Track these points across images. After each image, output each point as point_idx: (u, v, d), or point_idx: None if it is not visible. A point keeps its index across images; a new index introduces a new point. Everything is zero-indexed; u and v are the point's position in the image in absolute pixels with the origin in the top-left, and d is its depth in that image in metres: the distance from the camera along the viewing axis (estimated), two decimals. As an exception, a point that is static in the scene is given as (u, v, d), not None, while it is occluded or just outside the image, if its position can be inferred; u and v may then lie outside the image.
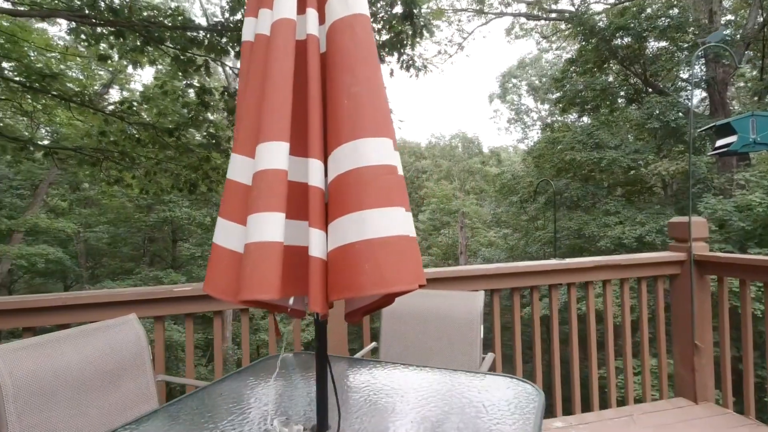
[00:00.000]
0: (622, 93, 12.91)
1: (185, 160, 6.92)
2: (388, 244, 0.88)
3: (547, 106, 24.41)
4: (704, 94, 12.08)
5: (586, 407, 2.73)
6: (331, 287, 0.91)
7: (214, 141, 6.56)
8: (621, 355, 2.87)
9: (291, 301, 1.01)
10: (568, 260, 2.68)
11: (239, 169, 1.00)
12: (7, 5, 5.93)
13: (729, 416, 2.59)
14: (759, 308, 6.13)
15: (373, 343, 2.25)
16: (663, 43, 11.52)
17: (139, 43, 5.46)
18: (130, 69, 11.07)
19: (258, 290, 0.86)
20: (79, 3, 5.19)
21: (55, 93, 6.42)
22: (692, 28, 10.73)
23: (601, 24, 11.55)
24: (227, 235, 0.99)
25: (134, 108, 6.95)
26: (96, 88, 12.58)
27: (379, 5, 5.67)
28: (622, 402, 2.82)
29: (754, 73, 12.43)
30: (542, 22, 17.99)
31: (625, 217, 10.10)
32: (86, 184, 14.71)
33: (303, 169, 0.98)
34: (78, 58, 9.52)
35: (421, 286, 1.01)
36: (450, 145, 33.56)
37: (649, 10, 11.11)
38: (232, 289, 0.94)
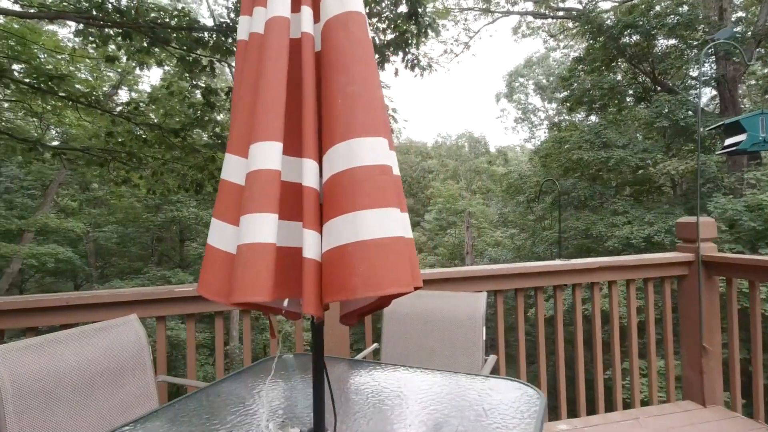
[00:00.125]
0: (630, 91, 12.79)
1: (191, 161, 6.96)
2: (382, 246, 0.86)
3: (554, 105, 24.25)
4: (714, 92, 11.92)
5: (592, 410, 2.69)
6: (325, 289, 0.90)
7: (219, 141, 6.59)
8: (627, 357, 2.83)
9: (286, 303, 1.00)
10: (572, 261, 2.65)
11: (233, 169, 0.99)
12: (17, 7, 5.99)
13: (738, 420, 2.54)
14: (770, 309, 6.03)
15: (375, 344, 2.23)
16: (672, 41, 11.39)
17: (145, 44, 5.50)
18: (138, 70, 11.15)
19: (250, 292, 0.85)
20: (86, 5, 5.23)
21: (62, 94, 6.49)
22: (702, 26, 10.59)
23: (609, 22, 11.45)
24: (221, 236, 0.98)
25: (141, 109, 7.00)
26: (105, 89, 12.70)
27: (384, 4, 5.66)
28: (628, 405, 2.78)
29: (766, 70, 12.26)
30: (549, 20, 17.87)
31: (633, 216, 9.99)
32: (95, 185, 14.86)
33: (297, 169, 0.96)
34: (87, 60, 9.61)
35: (416, 288, 1.00)
36: (456, 145, 33.50)
37: (657, 8, 10.99)
38: (225, 291, 0.93)
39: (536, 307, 2.64)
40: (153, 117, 8.07)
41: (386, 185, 0.91)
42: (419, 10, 5.23)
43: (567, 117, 17.87)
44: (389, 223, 0.89)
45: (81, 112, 7.34)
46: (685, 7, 10.90)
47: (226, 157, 1.01)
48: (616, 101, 12.58)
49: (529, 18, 17.83)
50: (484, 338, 1.99)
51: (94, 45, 5.85)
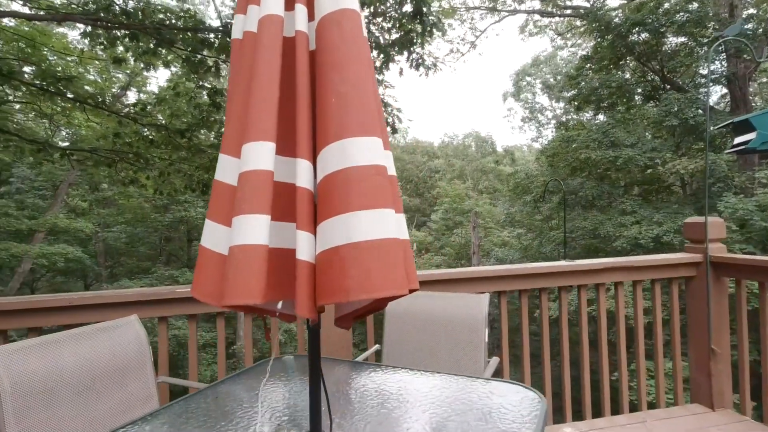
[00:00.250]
0: (639, 90, 12.65)
1: (197, 161, 7.00)
2: (376, 248, 0.85)
3: (561, 105, 24.08)
4: (725, 90, 11.75)
5: (597, 412, 2.65)
6: (318, 292, 0.89)
7: (225, 142, 6.61)
8: (634, 360, 2.79)
9: (280, 305, 0.99)
10: (578, 261, 2.61)
11: (226, 169, 0.98)
12: (25, 10, 6.06)
13: (747, 424, 2.49)
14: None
15: (377, 346, 2.22)
16: (681, 39, 11.24)
17: (152, 45, 5.54)
18: (145, 71, 11.24)
19: (241, 295, 0.84)
20: (94, 7, 5.28)
21: (71, 96, 6.56)
22: (712, 23, 10.44)
23: (617, 20, 11.32)
24: (214, 237, 0.97)
25: (148, 109, 7.06)
26: (114, 90, 12.83)
27: (388, 3, 5.64)
28: (634, 408, 2.74)
29: (778, 68, 12.05)
30: (556, 18, 17.74)
31: (641, 216, 9.88)
32: (105, 185, 15.01)
33: (291, 169, 0.95)
34: (96, 62, 9.71)
35: (412, 291, 0.98)
36: (463, 145, 33.41)
37: (666, 5, 10.84)
38: (217, 293, 0.92)
39: (541, 309, 2.61)
40: (160, 118, 8.13)
41: (381, 186, 0.90)
42: (424, 9, 5.21)
43: (575, 116, 17.74)
44: (384, 224, 0.87)
45: (89, 114, 7.41)
46: (695, 4, 10.74)
47: (219, 158, 1.00)
48: (624, 100, 12.44)
49: (536, 16, 17.71)
50: (487, 340, 1.96)
51: (102, 47, 5.90)
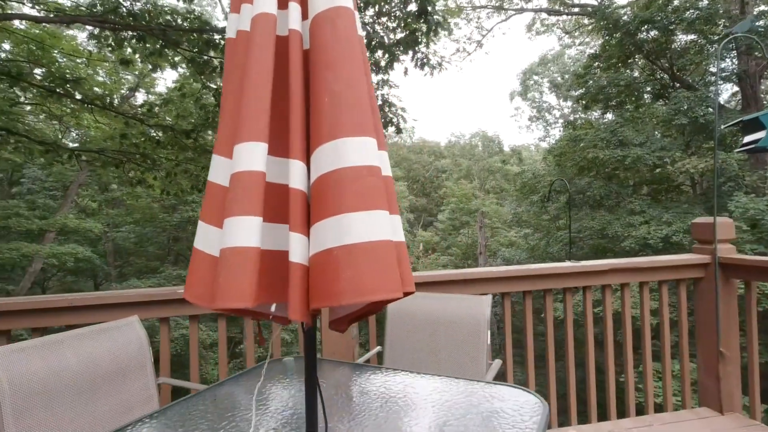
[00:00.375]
0: (648, 88, 12.50)
1: (203, 162, 7.03)
2: (368, 250, 0.83)
3: (569, 103, 23.90)
4: (736, 88, 11.57)
5: (603, 414, 2.62)
6: (311, 295, 0.87)
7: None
8: (641, 362, 2.74)
9: (273, 308, 0.98)
10: (583, 263, 2.58)
11: (219, 170, 0.97)
12: (34, 12, 6.13)
13: (757, 428, 2.44)
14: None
15: (378, 347, 2.20)
16: (691, 36, 11.09)
17: (158, 47, 5.57)
18: (153, 73, 11.33)
19: (232, 298, 0.83)
20: (101, 9, 5.32)
21: (79, 97, 6.62)
22: (723, 20, 10.29)
23: (625, 18, 11.19)
24: (207, 239, 0.96)
25: (154, 110, 7.10)
26: (123, 92, 12.95)
27: (393, 3, 5.62)
28: (641, 410, 2.70)
29: (790, 65, 11.84)
30: (564, 17, 17.60)
31: (650, 216, 9.77)
32: (114, 186, 15.15)
33: (284, 170, 0.94)
34: (105, 63, 9.80)
35: (407, 294, 0.96)
36: (470, 144, 33.29)
37: (676, 2, 10.70)
38: (209, 296, 0.91)
39: (545, 310, 2.58)
40: (168, 119, 8.19)
41: (374, 186, 0.88)
42: (429, 8, 5.18)
43: (582, 115, 17.59)
44: (377, 226, 0.86)
45: (96, 115, 7.48)
46: (705, 1, 10.59)
47: (212, 158, 0.99)
48: (633, 98, 12.31)
49: (544, 15, 17.60)
50: (489, 342, 1.94)
51: (110, 48, 5.96)
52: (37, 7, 6.08)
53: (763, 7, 10.40)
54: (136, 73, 12.56)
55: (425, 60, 5.80)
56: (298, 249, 0.89)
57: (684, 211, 9.69)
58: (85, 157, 7.47)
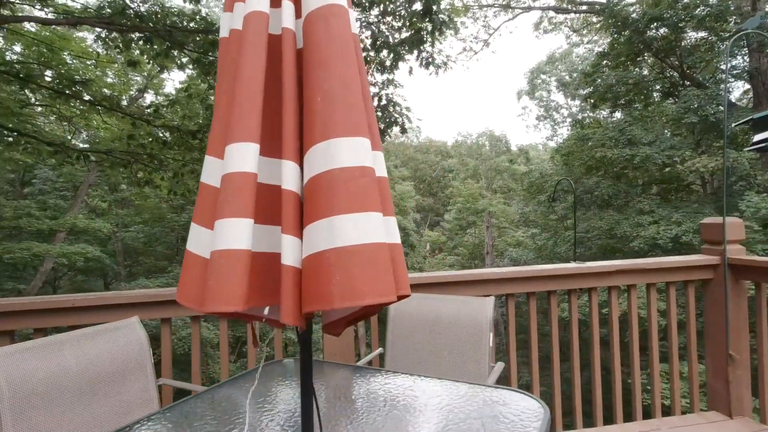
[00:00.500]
0: (657, 87, 12.35)
1: (210, 162, 7.05)
2: (360, 253, 0.81)
3: (577, 102, 23.71)
4: (747, 85, 11.39)
5: (609, 417, 2.58)
6: (304, 298, 0.86)
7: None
8: (648, 365, 2.70)
9: (266, 310, 0.96)
10: (588, 264, 2.54)
11: (211, 171, 0.96)
12: (42, 14, 6.19)
13: (768, 433, 2.39)
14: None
15: (380, 349, 2.19)
16: (701, 34, 10.94)
17: (164, 48, 5.60)
18: (160, 74, 11.41)
19: (222, 301, 0.81)
20: (109, 11, 5.36)
21: (87, 98, 6.68)
22: (734, 17, 10.13)
23: (634, 15, 11.06)
24: (199, 241, 0.95)
25: (161, 111, 7.15)
26: (132, 93, 13.06)
27: (398, 2, 5.60)
28: (648, 413, 2.65)
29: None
30: (572, 15, 17.45)
31: (659, 216, 9.64)
32: (123, 186, 15.29)
33: (277, 171, 0.92)
34: (114, 65, 9.89)
35: (402, 297, 0.94)
36: (477, 144, 33.16)
37: (685, -1, 10.57)
38: (200, 298, 0.90)
39: (549, 312, 2.54)
40: (175, 120, 8.24)
41: (367, 187, 0.86)
42: (434, 7, 5.15)
43: (590, 114, 17.41)
44: (370, 228, 0.84)
45: (103, 116, 7.54)
46: (715, -2, 10.45)
47: (205, 159, 0.98)
48: (641, 97, 12.16)
49: (551, 13, 17.47)
50: (491, 345, 1.91)
51: (117, 50, 6.00)
52: (46, 9, 6.14)
53: (775, 4, 10.22)
54: (144, 74, 12.66)
55: (430, 59, 5.77)
56: (291, 251, 0.87)
57: (694, 210, 9.56)
58: (93, 158, 7.53)
